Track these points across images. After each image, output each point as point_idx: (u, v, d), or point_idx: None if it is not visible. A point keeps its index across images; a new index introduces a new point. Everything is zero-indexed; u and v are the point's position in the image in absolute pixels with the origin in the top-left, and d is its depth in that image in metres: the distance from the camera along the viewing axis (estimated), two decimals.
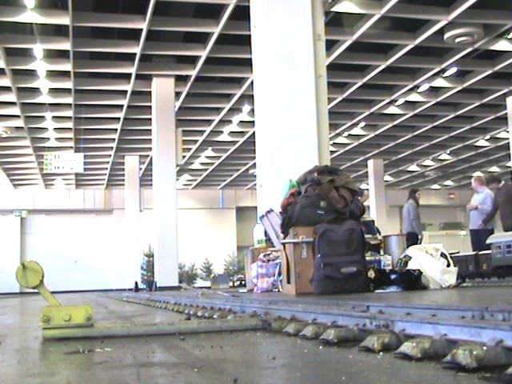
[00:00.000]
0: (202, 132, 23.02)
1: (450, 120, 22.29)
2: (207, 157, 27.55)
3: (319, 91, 8.26)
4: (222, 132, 23.27)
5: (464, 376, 1.40)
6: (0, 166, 27.61)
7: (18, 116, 20.02)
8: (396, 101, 20.33)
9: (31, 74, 16.86)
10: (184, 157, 21.19)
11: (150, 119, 18.99)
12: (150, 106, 18.68)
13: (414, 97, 19.96)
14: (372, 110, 20.88)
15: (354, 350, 1.92)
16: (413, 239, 10.32)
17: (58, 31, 14.44)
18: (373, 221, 7.31)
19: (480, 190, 10.98)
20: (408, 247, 6.17)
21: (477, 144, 26.35)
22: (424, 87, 18.95)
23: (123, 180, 27.91)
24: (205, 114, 21.37)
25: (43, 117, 20.63)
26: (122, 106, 19.54)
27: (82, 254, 33.93)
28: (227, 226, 35.82)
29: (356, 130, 23.93)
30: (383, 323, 2.07)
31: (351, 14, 13.64)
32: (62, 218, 34.50)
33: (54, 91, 18.37)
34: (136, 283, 21.68)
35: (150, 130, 19.16)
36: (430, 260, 5.32)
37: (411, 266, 5.30)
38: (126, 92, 18.37)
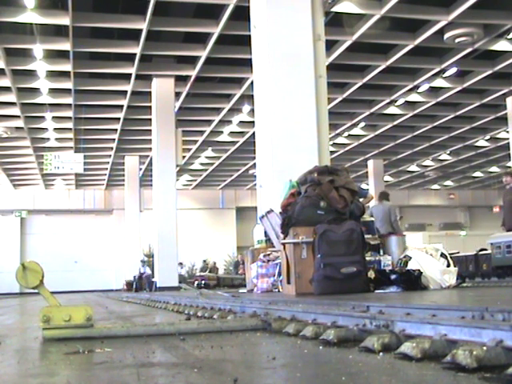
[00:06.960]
0: (202, 132, 23.01)
1: (450, 120, 22.29)
2: (207, 157, 27.54)
3: (319, 91, 8.27)
4: (221, 132, 23.26)
5: (464, 376, 1.40)
6: (0, 166, 27.60)
7: (18, 116, 20.01)
8: (396, 101, 20.32)
9: (31, 74, 16.85)
10: (184, 157, 21.17)
11: (150, 119, 18.99)
12: (150, 106, 18.67)
13: (413, 97, 19.95)
14: (372, 110, 20.87)
15: (354, 350, 1.91)
16: None
17: (58, 31, 14.43)
18: (373, 221, 7.29)
19: None
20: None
21: (477, 144, 26.33)
22: (424, 87, 18.94)
23: (123, 180, 27.91)
24: (205, 115, 21.37)
25: (43, 117, 20.62)
26: (122, 106, 19.53)
27: (82, 254, 33.90)
28: (227, 226, 35.79)
29: (356, 130, 23.92)
30: (383, 323, 2.07)
31: (351, 14, 13.63)
32: (62, 218, 34.47)
33: (53, 91, 18.37)
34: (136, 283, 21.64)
35: (150, 130, 19.15)
36: (430, 260, 5.33)
37: (411, 266, 5.30)
38: (125, 92, 18.37)
